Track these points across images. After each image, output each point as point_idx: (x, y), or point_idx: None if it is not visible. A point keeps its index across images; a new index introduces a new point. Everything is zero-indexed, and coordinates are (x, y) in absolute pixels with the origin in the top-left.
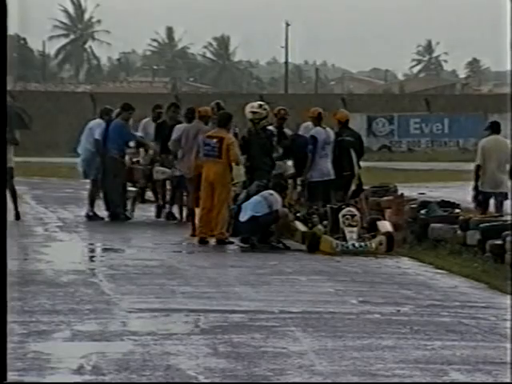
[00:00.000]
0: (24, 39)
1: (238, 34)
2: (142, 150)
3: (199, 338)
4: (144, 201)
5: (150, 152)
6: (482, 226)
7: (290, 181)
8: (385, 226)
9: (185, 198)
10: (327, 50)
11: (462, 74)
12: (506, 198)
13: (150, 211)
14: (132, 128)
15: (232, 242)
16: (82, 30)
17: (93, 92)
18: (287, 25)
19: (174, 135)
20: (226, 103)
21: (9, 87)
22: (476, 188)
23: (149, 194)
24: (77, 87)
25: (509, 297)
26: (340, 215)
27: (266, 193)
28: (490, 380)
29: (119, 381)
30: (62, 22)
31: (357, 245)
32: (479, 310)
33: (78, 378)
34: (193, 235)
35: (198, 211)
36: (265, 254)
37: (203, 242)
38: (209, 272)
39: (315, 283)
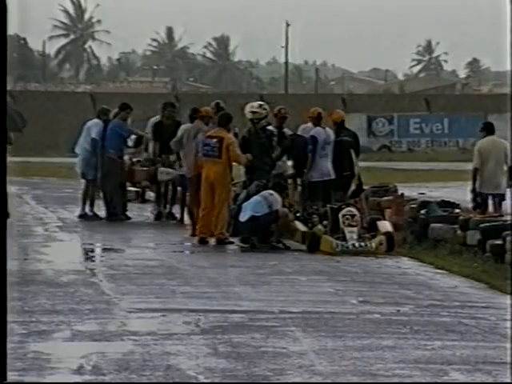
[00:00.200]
0: (24, 39)
1: (238, 33)
2: (142, 148)
3: (199, 337)
4: (144, 201)
5: (150, 149)
6: (482, 225)
7: (290, 181)
8: (385, 225)
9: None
10: (327, 50)
11: (462, 73)
12: (504, 199)
13: (149, 211)
14: (132, 127)
15: (232, 242)
16: (82, 30)
17: (93, 92)
18: (287, 25)
19: (178, 135)
20: (226, 103)
21: (9, 87)
22: (474, 190)
23: (149, 194)
24: (77, 87)
25: (509, 297)
26: (340, 215)
27: (265, 193)
28: (490, 380)
29: (119, 381)
30: (61, 22)
31: (357, 245)
32: (479, 310)
33: (78, 378)
34: (193, 235)
35: (198, 211)
36: (265, 254)
37: (203, 241)
38: (209, 272)
39: (315, 283)
